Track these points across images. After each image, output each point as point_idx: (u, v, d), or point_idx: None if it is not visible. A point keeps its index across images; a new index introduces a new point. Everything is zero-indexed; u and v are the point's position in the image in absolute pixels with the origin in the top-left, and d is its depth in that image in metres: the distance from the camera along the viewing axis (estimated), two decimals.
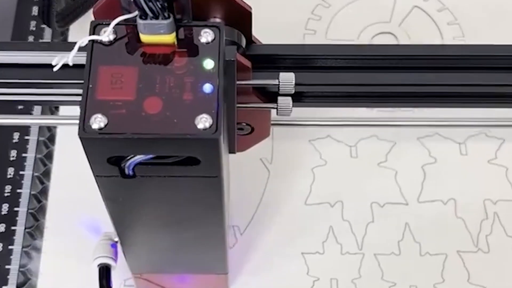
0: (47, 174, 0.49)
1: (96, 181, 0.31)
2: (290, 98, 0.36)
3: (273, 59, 0.37)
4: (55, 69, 0.31)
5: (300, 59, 0.38)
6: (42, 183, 0.49)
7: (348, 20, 0.54)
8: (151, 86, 0.28)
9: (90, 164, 0.29)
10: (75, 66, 0.30)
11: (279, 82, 0.35)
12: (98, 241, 0.42)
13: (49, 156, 0.49)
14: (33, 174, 0.49)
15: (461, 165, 0.49)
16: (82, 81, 0.29)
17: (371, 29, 0.54)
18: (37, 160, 0.49)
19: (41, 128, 0.50)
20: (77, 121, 0.28)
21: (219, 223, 0.36)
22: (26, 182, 0.48)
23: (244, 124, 0.38)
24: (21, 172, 0.49)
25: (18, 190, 0.48)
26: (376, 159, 0.49)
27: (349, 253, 0.46)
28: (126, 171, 0.30)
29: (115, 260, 0.42)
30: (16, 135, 0.50)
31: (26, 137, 0.50)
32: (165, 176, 0.30)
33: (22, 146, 0.49)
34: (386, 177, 0.48)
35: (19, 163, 0.49)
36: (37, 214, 0.48)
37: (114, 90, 0.28)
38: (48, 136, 0.50)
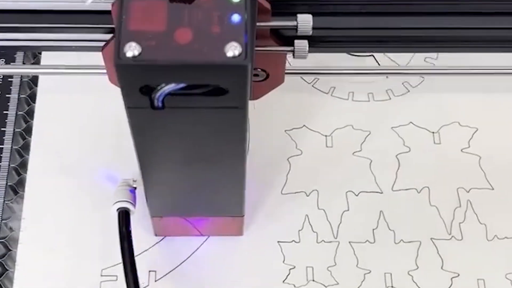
0: (23, 165, 0.49)
1: (127, 114, 0.32)
2: (306, 41, 0.37)
3: (290, 5, 0.39)
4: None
5: (316, 4, 0.39)
6: (18, 174, 0.49)
7: None
8: (181, 19, 0.29)
9: (123, 95, 0.31)
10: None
11: (297, 23, 0.36)
12: (116, 187, 0.44)
13: (25, 147, 0.50)
14: (9, 165, 0.49)
15: (434, 154, 0.49)
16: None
17: None
18: (13, 151, 0.49)
19: (17, 118, 0.50)
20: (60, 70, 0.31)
21: (240, 159, 0.37)
22: (3, 173, 0.48)
23: (260, 70, 0.39)
24: None
25: None
26: (351, 148, 0.49)
27: (324, 241, 0.47)
28: (156, 103, 0.31)
29: (134, 205, 0.43)
30: None
31: (3, 129, 0.50)
32: (193, 108, 0.31)
33: None
34: (361, 166, 0.49)
35: None
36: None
37: (146, 22, 0.29)
38: (24, 127, 0.50)
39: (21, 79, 0.52)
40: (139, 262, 0.42)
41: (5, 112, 0.51)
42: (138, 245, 0.44)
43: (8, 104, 0.51)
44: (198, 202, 0.43)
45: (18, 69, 0.52)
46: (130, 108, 0.31)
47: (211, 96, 0.30)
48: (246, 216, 0.45)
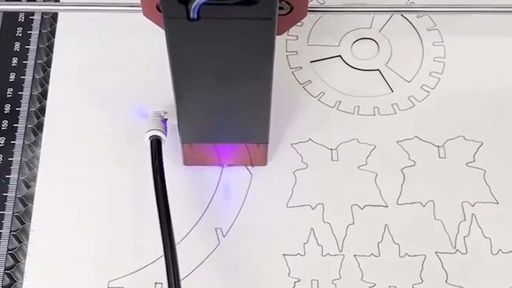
0: (33, 178, 0.50)
1: (165, 26, 0.35)
2: None
3: None
4: None
5: None
6: (28, 186, 0.49)
7: (329, 26, 0.55)
8: None
9: (162, 5, 0.34)
10: None
11: None
12: (149, 117, 0.48)
13: (35, 160, 0.50)
14: (18, 177, 0.49)
15: (439, 168, 0.50)
16: None
17: (352, 34, 0.54)
18: (22, 164, 0.50)
19: (26, 132, 0.51)
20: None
21: (267, 76, 0.40)
22: (12, 186, 0.49)
23: (284, 2, 0.40)
24: (7, 176, 0.49)
25: (4, 194, 0.49)
26: (357, 162, 0.50)
27: (329, 254, 0.47)
28: (192, 14, 0.34)
29: (165, 134, 0.47)
30: (1, 140, 0.51)
31: (12, 142, 0.51)
32: (225, 19, 0.34)
33: (8, 151, 0.50)
34: (366, 180, 0.49)
35: (5, 168, 0.50)
36: (23, 217, 0.48)
37: None
38: (34, 140, 0.51)
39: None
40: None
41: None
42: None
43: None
44: (226, 126, 0.45)
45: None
46: (168, 18, 0.34)
47: (243, 6, 0.33)
48: (252, 228, 0.45)
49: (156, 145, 0.46)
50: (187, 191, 0.49)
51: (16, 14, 0.55)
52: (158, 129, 0.47)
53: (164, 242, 0.42)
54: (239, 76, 0.40)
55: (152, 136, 0.46)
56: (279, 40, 0.54)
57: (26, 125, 0.51)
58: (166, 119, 0.48)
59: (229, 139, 0.47)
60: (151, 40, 0.49)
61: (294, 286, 0.46)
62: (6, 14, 0.55)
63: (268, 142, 0.47)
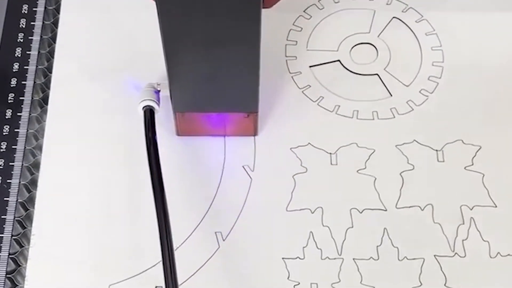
0: (33, 182, 0.50)
1: None
2: None
3: None
4: None
5: None
6: (29, 191, 0.50)
7: (328, 31, 0.55)
8: None
9: None
10: None
11: None
12: (142, 89, 0.49)
13: (35, 165, 0.50)
14: (19, 182, 0.50)
15: (438, 172, 0.50)
16: None
17: (351, 39, 0.55)
18: (24, 169, 0.50)
19: (28, 137, 0.51)
20: None
21: (254, 44, 0.42)
22: (13, 190, 0.49)
23: None
24: (8, 181, 0.50)
25: (5, 198, 0.49)
26: (356, 166, 0.50)
27: (328, 258, 0.47)
28: None
29: (158, 104, 0.48)
30: (3, 144, 0.51)
31: (13, 146, 0.51)
32: None
33: (9, 156, 0.51)
34: (365, 184, 0.49)
35: (7, 173, 0.50)
36: (24, 221, 0.49)
37: None
38: (35, 145, 0.51)
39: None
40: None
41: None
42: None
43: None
44: (216, 94, 0.46)
45: None
46: None
47: None
48: (251, 232, 0.45)
49: (149, 115, 0.47)
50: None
51: (17, 19, 0.56)
52: (151, 99, 0.48)
53: (158, 215, 0.43)
54: (227, 42, 0.41)
55: (145, 106, 0.48)
56: (279, 46, 0.54)
57: (28, 130, 0.52)
58: (159, 91, 0.49)
59: (219, 108, 0.48)
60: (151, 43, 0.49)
61: None
62: (8, 19, 0.56)
63: (258, 111, 0.48)
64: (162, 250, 0.43)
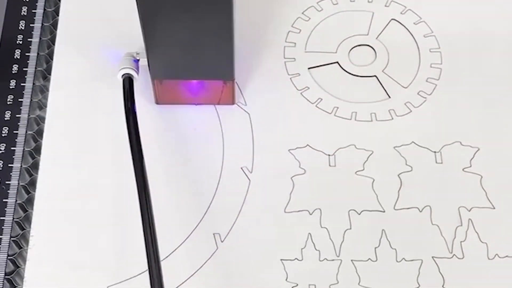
0: (32, 184, 0.50)
1: None
2: None
3: None
4: None
5: None
6: (28, 192, 0.50)
7: (327, 33, 0.55)
8: None
9: None
10: None
11: None
12: (121, 57, 0.50)
13: (34, 167, 0.51)
14: (18, 183, 0.50)
15: (436, 173, 0.50)
16: None
17: (349, 41, 0.55)
18: (22, 170, 0.50)
19: (26, 139, 0.51)
20: None
21: (228, 10, 0.44)
22: (12, 192, 0.50)
23: None
24: (7, 182, 0.50)
25: (4, 200, 0.49)
26: (354, 167, 0.50)
27: (327, 259, 0.47)
28: None
29: (137, 72, 0.50)
30: (2, 146, 0.51)
31: (12, 148, 0.51)
32: None
33: (8, 157, 0.51)
34: (363, 185, 0.50)
35: (6, 174, 0.50)
36: (23, 223, 0.49)
37: None
38: (34, 146, 0.51)
39: None
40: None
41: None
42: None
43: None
44: (192, 61, 0.48)
45: None
46: None
47: None
48: (250, 233, 0.45)
49: (128, 83, 0.49)
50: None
51: (16, 21, 0.56)
52: (130, 68, 0.49)
53: (138, 183, 0.44)
54: (201, 9, 0.43)
55: (124, 74, 0.49)
56: (278, 48, 0.55)
57: (26, 132, 0.52)
58: (138, 60, 0.50)
59: (196, 75, 0.49)
60: None
61: None
62: (7, 21, 0.56)
63: (234, 79, 0.50)
64: (142, 220, 0.44)
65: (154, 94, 0.51)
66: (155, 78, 0.50)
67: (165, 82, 0.50)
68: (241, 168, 0.50)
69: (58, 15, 0.56)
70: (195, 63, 0.48)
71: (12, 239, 0.48)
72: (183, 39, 0.46)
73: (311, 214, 0.49)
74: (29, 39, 0.55)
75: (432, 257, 0.47)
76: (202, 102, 0.52)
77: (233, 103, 0.52)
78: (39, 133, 0.52)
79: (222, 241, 0.48)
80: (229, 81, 0.50)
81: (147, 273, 0.46)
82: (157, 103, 0.52)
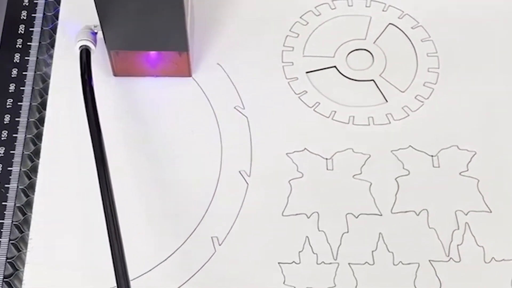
0: (31, 187, 0.50)
1: None
2: None
3: None
4: None
5: None
6: (27, 195, 0.50)
7: (324, 37, 0.56)
8: None
9: None
10: None
11: None
12: (79, 30, 0.51)
13: (33, 170, 0.51)
14: (17, 186, 0.50)
15: (433, 177, 0.50)
16: None
17: (347, 46, 0.55)
18: (21, 173, 0.51)
19: (26, 142, 0.52)
20: None
21: None
22: (11, 195, 0.50)
23: None
24: (6, 185, 0.50)
25: (3, 203, 0.50)
26: (351, 171, 0.50)
27: (324, 262, 0.47)
28: None
29: (94, 44, 0.50)
30: (1, 150, 0.51)
31: (12, 151, 0.51)
32: None
33: (8, 160, 0.51)
34: (360, 189, 0.50)
35: (5, 177, 0.50)
36: (21, 226, 0.49)
37: None
38: (33, 150, 0.52)
39: None
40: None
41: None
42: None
43: None
44: (146, 32, 0.49)
45: None
46: None
47: None
48: (248, 236, 0.45)
49: (85, 54, 0.49)
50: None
51: (16, 25, 0.56)
52: (87, 39, 0.50)
53: (96, 157, 0.45)
54: None
55: (82, 46, 0.50)
56: (276, 52, 0.55)
57: (26, 135, 0.52)
58: (96, 32, 0.51)
59: (151, 46, 0.50)
60: None
61: None
62: (6, 25, 0.56)
63: (189, 50, 0.51)
64: (101, 192, 0.44)
65: (112, 66, 0.52)
66: (111, 49, 0.51)
67: (122, 53, 0.51)
68: (239, 171, 0.50)
69: (57, 19, 0.56)
70: (149, 33, 0.49)
71: (11, 242, 0.48)
72: (135, 8, 0.47)
73: (308, 218, 0.49)
74: (28, 43, 0.55)
75: (429, 260, 0.47)
76: (159, 74, 0.53)
77: (189, 75, 0.53)
78: (39, 136, 0.52)
79: (220, 244, 0.48)
80: (183, 52, 0.51)
81: (146, 275, 0.47)
82: (115, 75, 0.53)
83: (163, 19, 0.48)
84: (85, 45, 0.50)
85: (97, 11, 0.47)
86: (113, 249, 0.43)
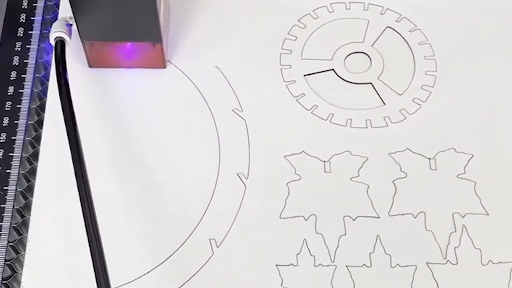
0: (30, 189, 0.50)
1: None
2: None
3: None
4: None
5: None
6: (25, 198, 0.50)
7: (322, 40, 0.56)
8: None
9: None
10: None
11: None
12: (55, 23, 0.51)
13: (32, 173, 0.51)
14: (16, 189, 0.50)
15: (431, 180, 0.50)
16: None
17: (345, 48, 0.55)
18: (20, 176, 0.51)
19: (24, 145, 0.52)
20: None
21: None
22: (10, 196, 0.50)
23: None
24: (5, 188, 0.50)
25: (2, 205, 0.50)
26: (349, 174, 0.51)
27: (322, 265, 0.48)
28: None
29: (69, 36, 0.51)
30: (0, 152, 0.51)
31: (10, 154, 0.51)
32: None
33: (6, 163, 0.51)
34: (358, 192, 0.50)
35: (4, 180, 0.50)
36: (20, 228, 0.49)
37: None
38: (32, 152, 0.52)
39: None
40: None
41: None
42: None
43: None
44: (120, 23, 0.49)
45: None
46: None
47: None
48: (245, 239, 0.45)
49: (60, 46, 0.50)
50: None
51: (15, 28, 0.56)
52: (62, 31, 0.50)
53: (72, 148, 0.45)
54: None
55: (56, 37, 0.50)
56: (274, 55, 0.55)
57: (24, 138, 0.52)
58: (71, 24, 0.51)
59: (125, 37, 0.51)
60: None
61: None
62: (6, 25, 0.56)
63: (162, 41, 0.51)
64: (77, 182, 0.44)
65: (86, 57, 0.53)
66: (85, 40, 0.51)
67: (96, 44, 0.51)
68: (237, 174, 0.50)
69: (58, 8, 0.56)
70: (122, 24, 0.50)
71: (9, 244, 0.48)
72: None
73: (306, 220, 0.49)
74: (27, 46, 0.55)
75: (426, 262, 0.48)
76: (133, 65, 0.53)
77: (164, 66, 0.54)
78: (37, 139, 0.52)
79: (218, 247, 0.48)
80: (157, 43, 0.51)
81: (144, 277, 0.47)
82: (90, 66, 0.54)
83: (136, 9, 0.48)
84: (60, 37, 0.50)
85: (70, 2, 0.47)
86: (93, 252, 0.43)
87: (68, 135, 0.46)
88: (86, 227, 0.43)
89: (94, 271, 0.42)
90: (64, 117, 0.47)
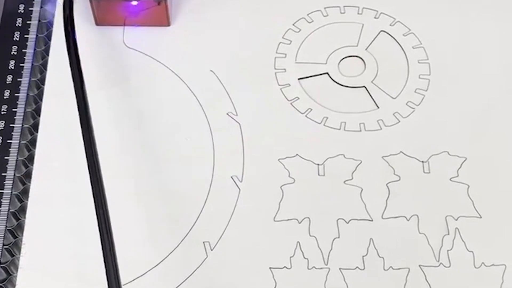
0: (25, 192, 0.51)
1: None
2: None
3: None
4: None
5: None
6: (20, 201, 0.50)
7: (317, 44, 0.56)
8: None
9: None
10: None
11: None
12: None
13: (27, 176, 0.51)
14: (11, 192, 0.50)
15: (424, 183, 0.50)
16: None
17: (339, 52, 0.56)
18: (16, 179, 0.51)
19: (20, 148, 0.52)
20: None
21: None
22: (5, 200, 0.50)
23: None
24: (0, 191, 0.50)
25: None
26: (343, 177, 0.51)
27: (315, 267, 0.48)
28: None
29: None
30: None
31: (6, 157, 0.52)
32: None
33: (2, 166, 0.51)
34: (352, 195, 0.50)
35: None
36: (15, 231, 0.49)
37: None
38: (27, 156, 0.52)
39: None
40: None
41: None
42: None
43: None
44: None
45: None
46: None
47: None
48: (239, 241, 0.46)
49: (68, 5, 0.52)
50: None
51: (11, 32, 0.57)
52: None
53: (80, 109, 0.47)
54: None
55: None
56: (268, 58, 0.55)
57: (20, 141, 0.52)
58: None
59: None
60: None
61: None
62: (1, 31, 0.57)
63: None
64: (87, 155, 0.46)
65: (93, 15, 0.55)
66: None
67: (103, 3, 0.54)
68: (231, 177, 0.51)
69: (52, 26, 0.56)
70: None
71: (4, 247, 0.49)
72: None
73: (300, 223, 0.49)
74: (23, 50, 0.56)
75: (419, 265, 0.48)
76: (139, 23, 0.56)
77: (168, 24, 0.56)
78: (33, 142, 0.52)
79: (212, 250, 0.48)
80: (162, 1, 0.54)
81: (138, 280, 0.47)
82: (97, 24, 0.56)
83: None
84: None
85: None
86: (105, 252, 0.43)
87: (76, 94, 0.48)
88: (99, 227, 0.44)
89: (106, 274, 0.43)
90: (72, 77, 0.49)
